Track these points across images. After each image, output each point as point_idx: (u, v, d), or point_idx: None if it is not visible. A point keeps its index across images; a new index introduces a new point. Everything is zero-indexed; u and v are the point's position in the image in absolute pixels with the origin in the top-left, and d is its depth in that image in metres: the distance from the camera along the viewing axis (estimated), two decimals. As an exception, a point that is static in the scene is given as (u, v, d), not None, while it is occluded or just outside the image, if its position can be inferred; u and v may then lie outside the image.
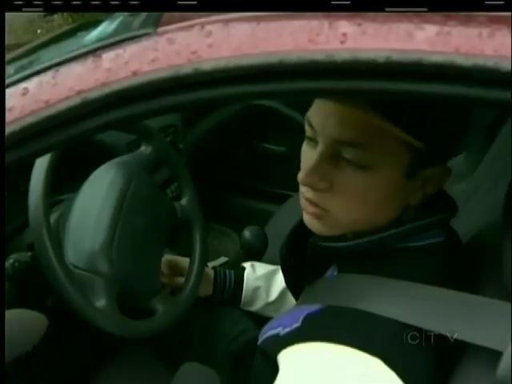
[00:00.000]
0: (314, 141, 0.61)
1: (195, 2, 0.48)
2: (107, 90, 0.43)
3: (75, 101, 0.43)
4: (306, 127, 0.61)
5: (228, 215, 1.75)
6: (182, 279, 1.00)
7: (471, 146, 1.14)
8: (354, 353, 0.52)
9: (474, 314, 0.51)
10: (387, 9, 0.40)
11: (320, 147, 0.58)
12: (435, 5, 0.39)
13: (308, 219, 0.64)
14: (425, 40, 0.37)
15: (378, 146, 0.55)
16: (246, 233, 1.11)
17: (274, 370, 0.58)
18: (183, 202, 1.04)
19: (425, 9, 0.39)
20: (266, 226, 1.42)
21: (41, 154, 0.48)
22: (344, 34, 0.38)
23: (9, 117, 0.45)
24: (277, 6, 0.42)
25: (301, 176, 0.60)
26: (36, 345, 0.81)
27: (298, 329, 0.58)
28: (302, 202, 0.63)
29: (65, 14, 4.58)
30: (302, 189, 0.63)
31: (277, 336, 0.62)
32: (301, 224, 0.71)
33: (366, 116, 0.53)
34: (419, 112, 0.53)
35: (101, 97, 0.43)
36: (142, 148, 1.01)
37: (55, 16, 4.67)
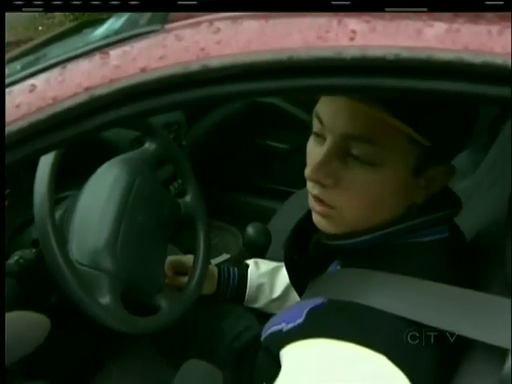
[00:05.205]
0: (321, 137, 0.60)
1: (195, 2, 0.47)
2: (115, 86, 0.43)
3: (83, 97, 0.43)
4: (314, 122, 0.61)
5: (230, 212, 1.75)
6: (184, 279, 1.00)
7: (474, 144, 1.14)
8: (358, 349, 0.52)
9: (478, 311, 0.51)
10: (387, 9, 0.40)
11: (328, 142, 0.58)
12: (435, 5, 0.39)
13: (316, 218, 0.64)
14: (434, 37, 0.37)
15: (386, 142, 0.55)
16: (250, 230, 1.11)
17: (277, 365, 0.58)
18: (187, 198, 1.03)
19: (425, 9, 0.39)
20: (269, 223, 1.41)
21: (48, 150, 0.48)
22: (353, 31, 0.38)
23: (16, 113, 0.45)
24: (277, 6, 0.42)
25: (307, 172, 0.60)
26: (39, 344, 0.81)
27: (301, 324, 0.58)
28: (310, 200, 0.64)
29: (66, 11, 4.56)
30: (309, 185, 0.62)
31: (280, 332, 0.61)
32: (305, 219, 0.71)
33: (376, 112, 0.53)
34: (428, 111, 0.54)
35: (108, 93, 0.43)
36: (146, 145, 1.01)
37: (56, 13, 4.66)
